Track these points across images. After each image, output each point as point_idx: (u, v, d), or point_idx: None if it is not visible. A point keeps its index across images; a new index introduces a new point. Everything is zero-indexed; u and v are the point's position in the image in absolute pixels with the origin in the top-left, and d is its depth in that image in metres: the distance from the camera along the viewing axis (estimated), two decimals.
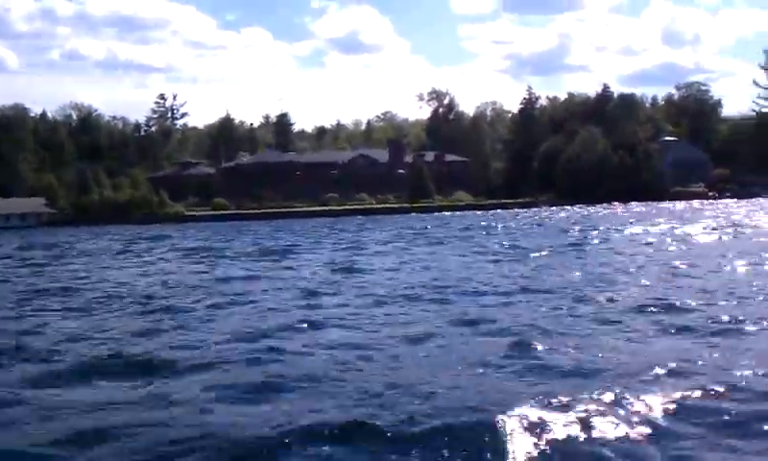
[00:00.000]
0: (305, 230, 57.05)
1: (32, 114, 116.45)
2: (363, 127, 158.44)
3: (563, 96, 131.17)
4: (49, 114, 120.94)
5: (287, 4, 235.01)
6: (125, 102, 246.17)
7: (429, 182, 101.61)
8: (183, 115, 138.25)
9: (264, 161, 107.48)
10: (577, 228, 45.61)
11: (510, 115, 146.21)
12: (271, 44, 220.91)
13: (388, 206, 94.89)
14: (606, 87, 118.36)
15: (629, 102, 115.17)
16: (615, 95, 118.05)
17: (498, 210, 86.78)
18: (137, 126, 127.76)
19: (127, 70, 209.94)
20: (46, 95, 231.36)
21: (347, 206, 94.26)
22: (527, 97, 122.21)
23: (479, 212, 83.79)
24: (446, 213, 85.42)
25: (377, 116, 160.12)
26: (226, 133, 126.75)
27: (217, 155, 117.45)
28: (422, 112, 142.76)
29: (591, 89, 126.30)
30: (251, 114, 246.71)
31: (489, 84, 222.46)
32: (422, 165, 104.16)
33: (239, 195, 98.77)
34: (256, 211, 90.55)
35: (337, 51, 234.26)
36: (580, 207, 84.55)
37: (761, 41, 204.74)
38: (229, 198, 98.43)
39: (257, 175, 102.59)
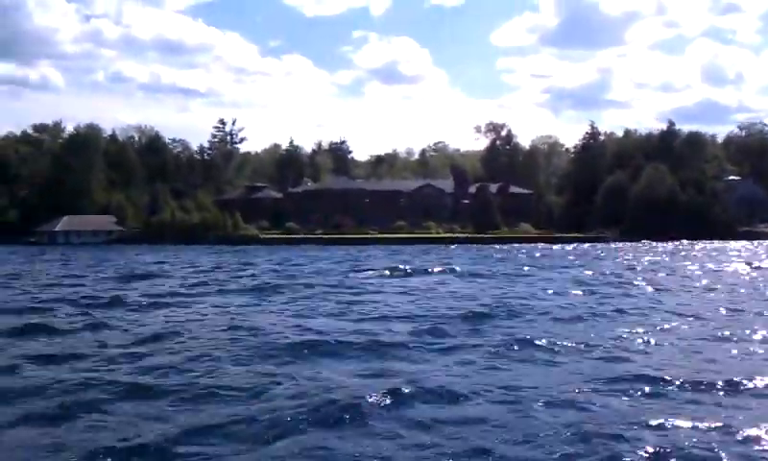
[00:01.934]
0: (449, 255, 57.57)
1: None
2: (415, 156, 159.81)
3: (619, 132, 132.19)
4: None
5: (329, 33, 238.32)
6: (166, 125, 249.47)
7: (496, 213, 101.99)
8: (242, 140, 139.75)
9: (333, 188, 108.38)
10: None
11: (565, 149, 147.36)
12: (311, 72, 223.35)
13: (465, 235, 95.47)
14: (671, 124, 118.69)
15: (696, 139, 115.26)
16: (682, 132, 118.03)
17: (575, 244, 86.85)
18: (201, 149, 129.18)
19: (169, 93, 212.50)
20: (90, 116, 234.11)
21: (429, 234, 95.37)
22: (589, 131, 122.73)
23: (559, 246, 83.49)
24: (516, 244, 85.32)
25: (429, 146, 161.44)
26: (292, 158, 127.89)
27: (281, 179, 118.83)
28: (476, 143, 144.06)
29: (633, 125, 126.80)
30: (292, 139, 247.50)
31: (528, 118, 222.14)
32: (490, 196, 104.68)
33: (309, 220, 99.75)
34: (330, 236, 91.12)
35: (377, 81, 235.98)
36: (662, 244, 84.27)
37: None
38: (299, 222, 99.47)
39: (327, 201, 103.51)
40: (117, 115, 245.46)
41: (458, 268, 40.26)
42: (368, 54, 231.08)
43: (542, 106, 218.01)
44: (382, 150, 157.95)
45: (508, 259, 53.85)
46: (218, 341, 15.18)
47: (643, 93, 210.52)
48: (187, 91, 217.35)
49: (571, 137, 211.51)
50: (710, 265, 45.07)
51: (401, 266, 40.81)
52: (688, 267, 43.47)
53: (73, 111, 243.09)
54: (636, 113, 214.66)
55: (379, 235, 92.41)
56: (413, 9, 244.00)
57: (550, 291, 27.01)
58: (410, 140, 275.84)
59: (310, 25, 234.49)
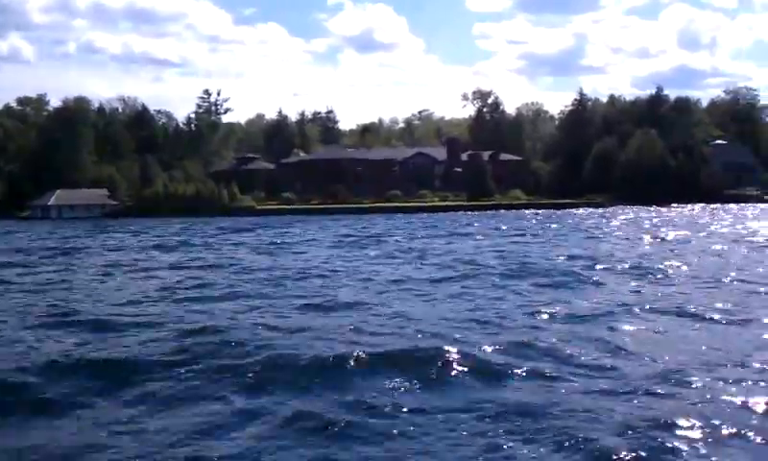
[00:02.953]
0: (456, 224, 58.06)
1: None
2: (400, 124, 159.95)
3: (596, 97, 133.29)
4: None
5: (303, 1, 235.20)
6: (139, 96, 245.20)
7: (490, 181, 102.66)
8: (227, 111, 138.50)
9: (326, 158, 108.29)
10: None
11: (549, 116, 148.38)
12: (286, 40, 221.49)
13: (460, 203, 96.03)
14: (659, 89, 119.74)
15: (684, 105, 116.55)
16: (669, 98, 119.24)
17: (572, 210, 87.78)
18: (189, 120, 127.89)
19: (142, 64, 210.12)
20: (61, 87, 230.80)
21: (426, 203, 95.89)
22: (578, 98, 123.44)
23: (559, 212, 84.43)
24: (509, 211, 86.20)
25: (414, 114, 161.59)
26: (280, 128, 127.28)
27: (270, 150, 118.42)
28: (460, 110, 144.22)
29: (608, 91, 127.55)
30: (267, 109, 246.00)
31: (504, 84, 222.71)
32: (484, 164, 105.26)
33: (304, 190, 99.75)
34: (327, 206, 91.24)
35: (352, 48, 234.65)
36: (655, 209, 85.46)
37: None
38: (294, 193, 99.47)
39: (321, 171, 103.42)
40: (90, 87, 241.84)
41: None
42: (343, 21, 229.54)
43: (519, 72, 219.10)
44: (361, 119, 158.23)
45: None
46: None
47: (619, 58, 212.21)
48: (160, 61, 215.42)
49: (550, 103, 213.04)
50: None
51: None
52: None
53: (44, 83, 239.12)
54: (611, 79, 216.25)
55: (378, 204, 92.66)
56: None
57: None
58: (389, 108, 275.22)
59: None
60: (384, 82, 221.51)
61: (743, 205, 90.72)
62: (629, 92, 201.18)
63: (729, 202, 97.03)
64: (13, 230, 63.34)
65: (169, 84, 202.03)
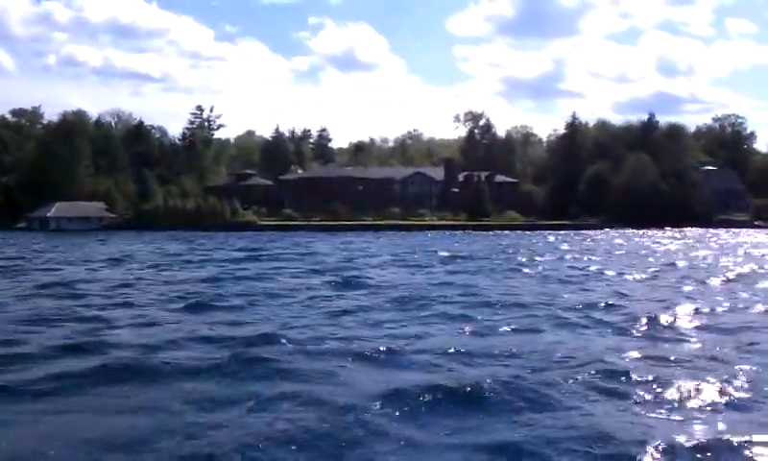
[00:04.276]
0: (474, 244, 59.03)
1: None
2: (390, 143, 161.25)
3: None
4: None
5: (285, 19, 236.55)
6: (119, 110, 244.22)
7: (488, 202, 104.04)
8: (219, 127, 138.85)
9: (326, 176, 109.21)
10: None
11: (538, 139, 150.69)
12: (267, 58, 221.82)
13: (460, 222, 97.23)
14: (651, 116, 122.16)
15: (675, 131, 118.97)
16: (661, 124, 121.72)
17: (570, 231, 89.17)
18: (184, 136, 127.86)
19: (122, 78, 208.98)
20: (41, 100, 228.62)
21: (424, 221, 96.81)
22: (570, 121, 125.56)
23: (561, 232, 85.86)
24: (507, 232, 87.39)
25: (404, 134, 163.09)
26: (277, 145, 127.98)
27: (266, 167, 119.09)
28: (447, 131, 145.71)
29: (589, 115, 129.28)
30: (245, 126, 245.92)
31: (485, 106, 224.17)
32: (483, 185, 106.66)
33: (303, 207, 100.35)
34: (327, 223, 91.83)
35: (334, 67, 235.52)
36: (650, 232, 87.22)
37: (756, 74, 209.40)
38: (294, 210, 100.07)
39: (320, 188, 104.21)
40: (69, 100, 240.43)
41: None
42: (324, 40, 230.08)
43: (499, 95, 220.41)
44: (344, 137, 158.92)
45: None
46: None
47: (598, 83, 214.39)
48: (140, 76, 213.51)
49: (536, 127, 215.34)
50: None
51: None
52: None
53: (23, 96, 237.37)
54: (590, 103, 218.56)
55: (383, 222, 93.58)
56: None
57: None
58: (372, 127, 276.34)
59: (266, 10, 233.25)
60: (366, 101, 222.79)
61: (738, 230, 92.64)
62: (609, 117, 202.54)
63: (719, 227, 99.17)
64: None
65: (148, 98, 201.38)
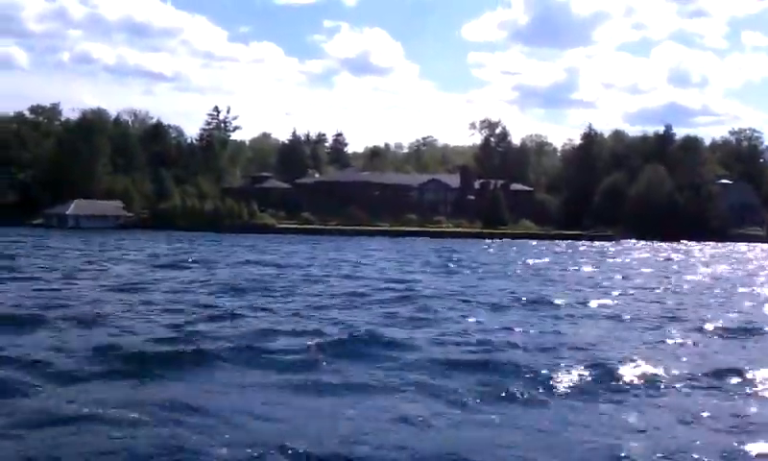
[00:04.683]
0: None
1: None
2: (404, 150, 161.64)
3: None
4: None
5: (300, 22, 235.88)
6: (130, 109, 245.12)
7: (504, 210, 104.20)
8: (236, 129, 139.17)
9: (343, 181, 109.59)
10: None
11: (553, 148, 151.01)
12: (281, 60, 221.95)
13: (476, 230, 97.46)
14: (668, 127, 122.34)
15: (692, 144, 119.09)
16: (677, 136, 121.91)
17: (586, 241, 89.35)
18: (201, 136, 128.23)
19: (134, 76, 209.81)
20: (54, 96, 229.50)
21: (443, 229, 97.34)
22: (587, 131, 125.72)
23: (580, 243, 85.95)
24: (534, 242, 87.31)
25: (419, 140, 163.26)
26: (295, 149, 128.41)
27: (282, 169, 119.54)
28: (460, 138, 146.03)
29: (603, 125, 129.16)
30: (257, 127, 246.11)
31: (496, 114, 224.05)
32: (500, 193, 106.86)
33: (320, 211, 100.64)
34: (347, 227, 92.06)
35: (347, 71, 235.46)
36: (667, 244, 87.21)
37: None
38: (311, 213, 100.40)
39: (337, 193, 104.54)
40: (82, 97, 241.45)
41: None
42: (339, 44, 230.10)
43: (511, 102, 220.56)
44: (357, 141, 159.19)
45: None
46: None
47: (610, 93, 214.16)
48: (153, 75, 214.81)
49: (549, 136, 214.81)
50: None
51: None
52: None
53: (36, 92, 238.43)
54: (601, 114, 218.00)
55: (402, 228, 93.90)
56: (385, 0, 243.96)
57: None
58: (385, 132, 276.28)
59: (281, 12, 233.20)
60: (379, 105, 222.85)
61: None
62: (621, 127, 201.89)
63: (734, 240, 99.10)
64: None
65: (161, 97, 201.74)
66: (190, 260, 38.15)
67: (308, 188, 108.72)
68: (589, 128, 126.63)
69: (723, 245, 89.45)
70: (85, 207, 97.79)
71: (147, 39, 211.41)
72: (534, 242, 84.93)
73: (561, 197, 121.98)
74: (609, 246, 79.85)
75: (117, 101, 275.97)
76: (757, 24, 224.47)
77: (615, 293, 25.97)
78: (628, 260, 52.54)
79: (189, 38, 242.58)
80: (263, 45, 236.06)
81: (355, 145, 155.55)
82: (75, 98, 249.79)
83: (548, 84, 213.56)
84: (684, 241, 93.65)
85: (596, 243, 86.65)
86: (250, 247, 55.97)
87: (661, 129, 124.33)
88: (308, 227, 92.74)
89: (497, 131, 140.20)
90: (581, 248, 73.16)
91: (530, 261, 46.60)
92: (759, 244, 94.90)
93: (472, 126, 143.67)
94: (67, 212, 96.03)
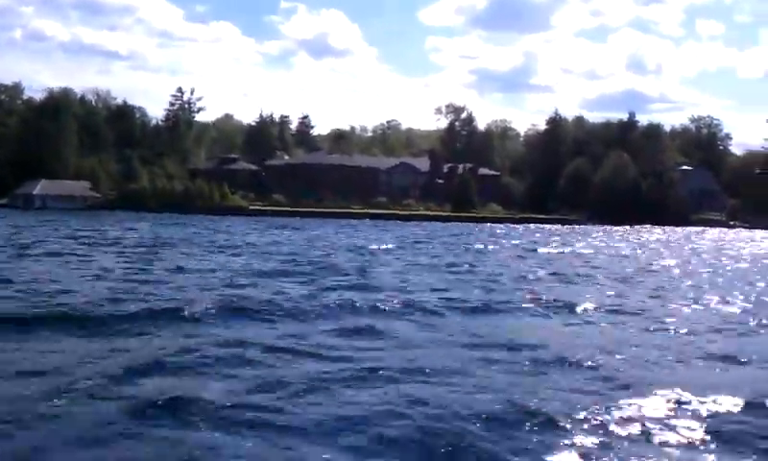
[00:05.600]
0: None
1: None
2: (368, 133, 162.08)
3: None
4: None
5: (257, 1, 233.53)
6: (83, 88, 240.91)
7: (474, 194, 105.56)
8: (200, 110, 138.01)
9: (312, 163, 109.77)
10: None
11: (516, 133, 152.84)
12: (238, 40, 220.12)
13: (446, 213, 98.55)
14: (631, 115, 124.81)
15: (654, 131, 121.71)
16: (640, 123, 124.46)
17: (557, 225, 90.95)
18: (167, 117, 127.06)
19: (90, 55, 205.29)
20: (6, 75, 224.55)
21: (411, 211, 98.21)
22: (553, 117, 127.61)
23: (555, 227, 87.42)
24: (501, 225, 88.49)
25: (382, 124, 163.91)
26: (263, 131, 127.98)
27: (249, 151, 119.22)
28: (424, 122, 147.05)
29: (567, 112, 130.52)
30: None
31: (454, 98, 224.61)
32: (469, 177, 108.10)
33: (289, 193, 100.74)
34: (316, 210, 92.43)
35: (305, 52, 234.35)
36: (630, 227, 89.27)
37: (722, 76, 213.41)
38: (282, 195, 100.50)
39: (306, 175, 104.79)
40: (36, 76, 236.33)
41: None
42: (296, 25, 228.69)
43: (469, 86, 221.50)
44: (317, 123, 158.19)
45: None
46: None
47: (568, 79, 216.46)
48: (109, 53, 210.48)
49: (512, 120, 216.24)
50: None
51: None
52: None
53: None
54: (560, 99, 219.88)
55: (373, 211, 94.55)
56: None
57: None
58: (345, 115, 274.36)
59: None
60: (339, 88, 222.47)
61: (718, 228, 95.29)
62: (580, 113, 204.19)
63: (695, 225, 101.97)
64: None
65: (116, 76, 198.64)
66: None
67: (277, 170, 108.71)
68: (555, 113, 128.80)
69: (681, 229, 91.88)
70: (53, 188, 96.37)
71: (102, 17, 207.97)
72: (500, 225, 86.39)
73: (525, 181, 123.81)
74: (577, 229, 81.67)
75: (73, 80, 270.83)
76: (713, 12, 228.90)
77: None
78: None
79: (145, 17, 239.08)
80: (220, 25, 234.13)
81: (319, 128, 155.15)
82: (29, 76, 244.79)
83: (507, 68, 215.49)
84: (647, 225, 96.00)
85: (565, 227, 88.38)
86: (257, 230, 54.83)
87: (625, 116, 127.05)
88: (282, 208, 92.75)
89: (463, 115, 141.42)
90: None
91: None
92: (718, 228, 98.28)
93: (438, 111, 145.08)
94: (34, 192, 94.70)
